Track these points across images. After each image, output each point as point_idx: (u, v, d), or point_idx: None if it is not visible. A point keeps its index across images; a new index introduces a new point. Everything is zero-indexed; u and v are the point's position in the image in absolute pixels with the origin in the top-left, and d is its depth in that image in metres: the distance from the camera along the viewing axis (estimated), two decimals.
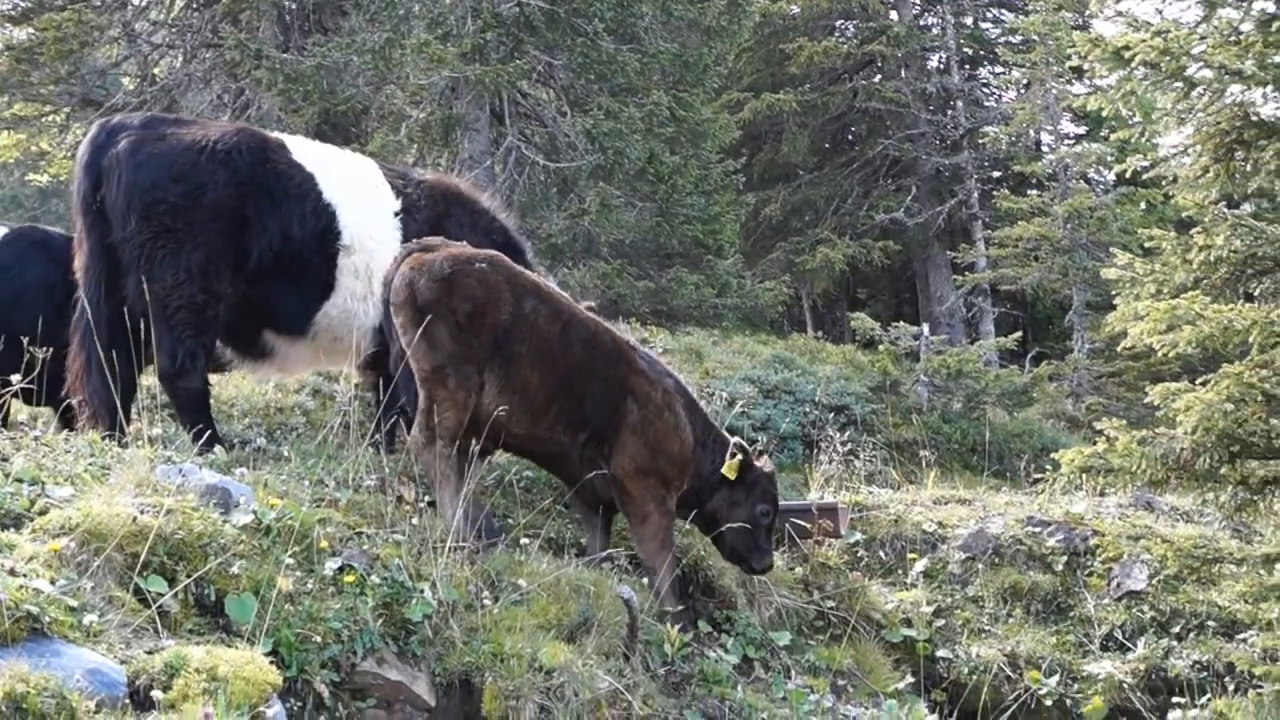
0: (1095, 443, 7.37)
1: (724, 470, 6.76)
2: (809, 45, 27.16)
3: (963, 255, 25.50)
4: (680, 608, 6.61)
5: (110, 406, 6.54)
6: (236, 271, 7.00)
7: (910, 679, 7.27)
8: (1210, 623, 7.76)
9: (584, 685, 5.19)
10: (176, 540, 4.51)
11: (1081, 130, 28.32)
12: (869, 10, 28.65)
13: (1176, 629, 7.80)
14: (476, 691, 5.11)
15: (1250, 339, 6.81)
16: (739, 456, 6.77)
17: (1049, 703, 7.42)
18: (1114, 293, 7.76)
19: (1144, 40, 7.23)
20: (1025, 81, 25.51)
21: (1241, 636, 7.59)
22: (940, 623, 8.00)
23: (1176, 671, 7.42)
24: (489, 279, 6.39)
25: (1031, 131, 26.27)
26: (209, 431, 6.69)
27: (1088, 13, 22.12)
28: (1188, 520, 8.98)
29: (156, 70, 19.03)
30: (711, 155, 20.45)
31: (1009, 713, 7.32)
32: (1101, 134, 24.44)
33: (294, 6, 17.94)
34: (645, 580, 6.45)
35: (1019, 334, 20.99)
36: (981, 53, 31.00)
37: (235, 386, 9.37)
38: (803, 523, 8.09)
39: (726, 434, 7.00)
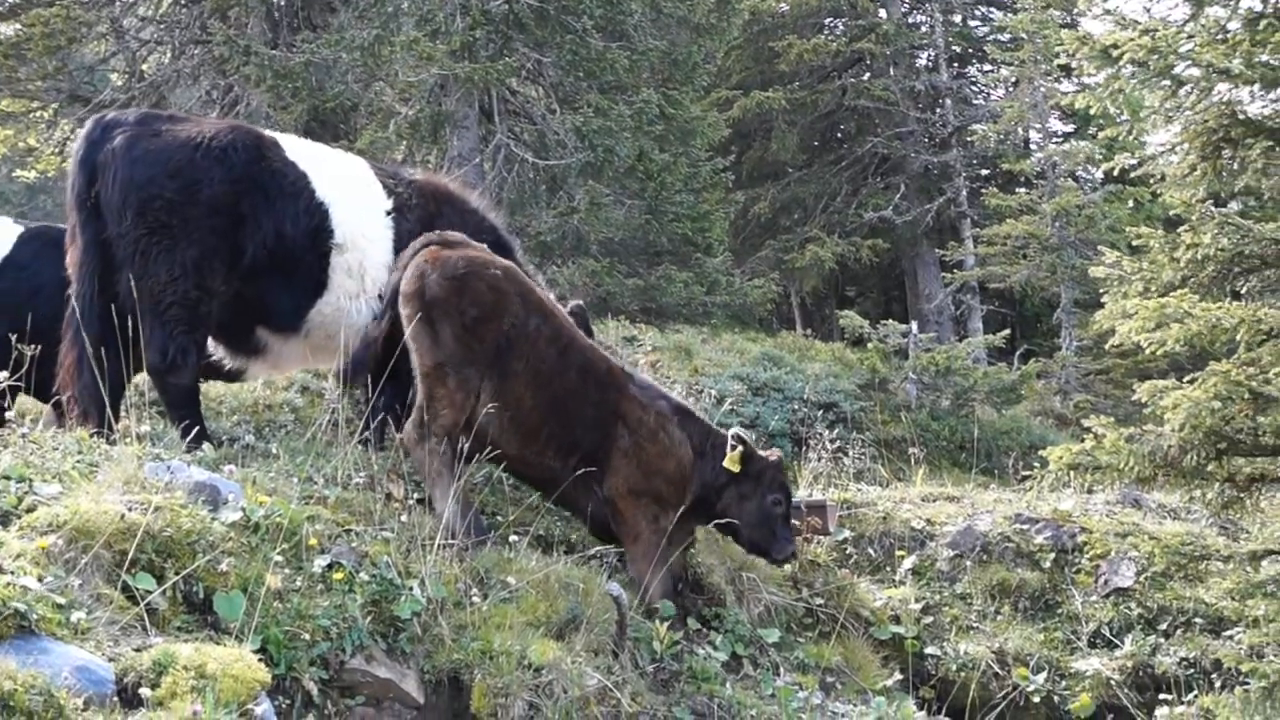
0: (1083, 440, 7.37)
1: (726, 464, 6.65)
2: (798, 43, 27.21)
3: (951, 253, 25.57)
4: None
5: (100, 403, 6.52)
6: (231, 268, 6.99)
7: (899, 676, 7.27)
8: (1197, 619, 7.78)
9: (573, 682, 5.19)
10: (165, 537, 4.50)
11: (1069, 128, 28.41)
12: (858, 8, 28.69)
13: (1164, 626, 7.82)
14: (465, 689, 5.11)
15: (1238, 337, 6.83)
16: (740, 448, 6.66)
17: (1037, 699, 7.44)
18: (1102, 290, 7.77)
19: (1132, 39, 7.24)
20: (1013, 79, 25.60)
21: (1228, 633, 7.61)
22: (929, 620, 8.01)
23: (1164, 668, 7.44)
24: (501, 287, 6.39)
25: (1020, 129, 26.33)
26: (197, 428, 6.68)
27: (1076, 11, 22.25)
28: (1175, 517, 9.00)
29: (145, 66, 18.94)
30: (701, 153, 20.46)
31: (997, 710, 7.33)
32: (1089, 132, 24.49)
33: (283, 3, 17.90)
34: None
35: (1007, 331, 21.03)
36: (970, 51, 31.08)
37: (223, 383, 9.33)
38: (792, 520, 8.09)
39: (724, 433, 6.87)
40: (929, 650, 7.76)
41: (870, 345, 17.39)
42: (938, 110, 28.96)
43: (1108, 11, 7.98)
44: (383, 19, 15.36)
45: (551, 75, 16.79)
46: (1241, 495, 7.32)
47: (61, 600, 3.93)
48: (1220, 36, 7.17)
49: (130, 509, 4.49)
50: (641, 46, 17.06)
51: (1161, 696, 7.23)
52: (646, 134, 17.15)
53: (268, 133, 7.59)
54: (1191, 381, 6.98)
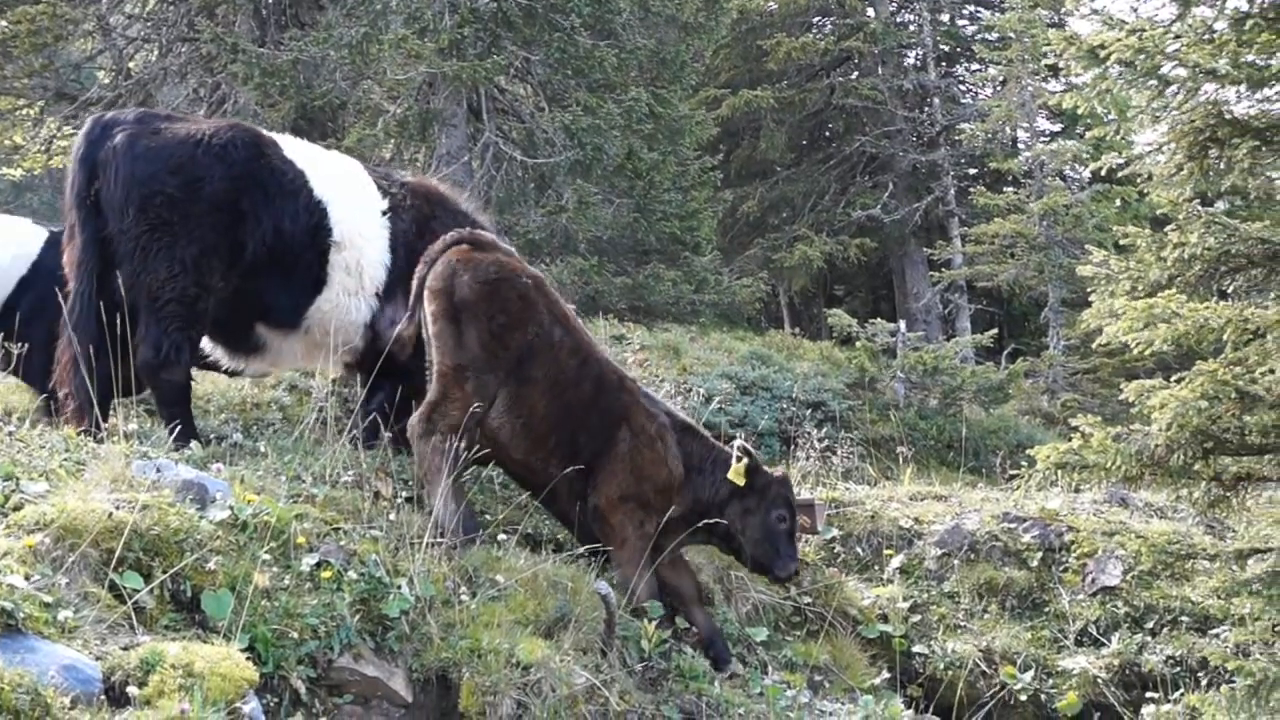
0: (1070, 439, 7.38)
1: (730, 475, 6.61)
2: (786, 42, 27.23)
3: (939, 252, 25.59)
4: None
5: (93, 402, 6.54)
6: (230, 265, 7.03)
7: (886, 674, 7.30)
8: (1184, 618, 7.81)
9: (561, 681, 5.20)
10: (152, 536, 4.49)
11: (1057, 127, 28.45)
12: (846, 7, 28.74)
13: (1150, 624, 7.84)
14: (454, 687, 5.11)
15: (1224, 336, 6.85)
16: (744, 460, 6.61)
17: (1024, 698, 7.46)
18: (1089, 289, 7.78)
19: (1119, 39, 7.26)
20: (1001, 79, 25.61)
21: (1215, 631, 7.64)
22: (916, 618, 8.04)
23: (1150, 666, 7.47)
24: (530, 296, 6.40)
25: (1007, 128, 26.36)
26: (186, 426, 6.68)
27: (1063, 10, 22.27)
28: (1162, 516, 9.03)
29: (132, 64, 18.91)
30: (689, 151, 20.44)
31: (984, 708, 7.36)
32: (1077, 131, 24.57)
33: (270, 1, 17.86)
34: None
35: (995, 330, 21.09)
36: (958, 50, 31.15)
37: (211, 381, 9.32)
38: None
39: (728, 449, 6.79)
40: (916, 649, 7.78)
41: (858, 344, 17.39)
42: (926, 109, 29.01)
43: (1095, 11, 7.99)
44: (371, 17, 15.33)
45: (540, 73, 16.77)
46: (1228, 494, 7.34)
47: (48, 599, 3.92)
48: (1207, 37, 7.18)
49: (118, 507, 4.48)
50: (630, 45, 17.06)
51: (1148, 695, 7.25)
52: (635, 132, 17.13)
53: (266, 132, 7.64)
54: (1178, 381, 7.00)
